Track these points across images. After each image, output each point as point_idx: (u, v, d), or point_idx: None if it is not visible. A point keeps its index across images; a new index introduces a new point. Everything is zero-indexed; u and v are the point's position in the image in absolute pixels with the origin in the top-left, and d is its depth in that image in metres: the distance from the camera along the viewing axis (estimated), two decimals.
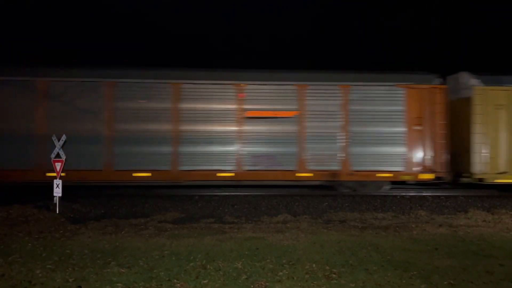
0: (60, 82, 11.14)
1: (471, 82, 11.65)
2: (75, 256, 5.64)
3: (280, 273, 5.00)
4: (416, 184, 12.59)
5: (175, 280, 4.74)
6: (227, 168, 11.32)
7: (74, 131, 10.77)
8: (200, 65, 13.49)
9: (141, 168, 11.11)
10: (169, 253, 5.82)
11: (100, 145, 11.08)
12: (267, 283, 4.68)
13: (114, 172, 11.08)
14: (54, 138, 9.16)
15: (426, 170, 11.54)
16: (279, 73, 11.79)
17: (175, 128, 11.26)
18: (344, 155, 11.47)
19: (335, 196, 11.23)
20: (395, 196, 11.43)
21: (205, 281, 4.72)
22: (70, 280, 4.72)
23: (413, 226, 7.91)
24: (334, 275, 4.94)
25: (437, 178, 11.60)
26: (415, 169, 11.55)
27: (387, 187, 11.98)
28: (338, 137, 11.51)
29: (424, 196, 11.49)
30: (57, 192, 8.86)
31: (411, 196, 11.42)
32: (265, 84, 11.50)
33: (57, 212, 8.74)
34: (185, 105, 11.34)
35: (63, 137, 9.12)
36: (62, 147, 9.12)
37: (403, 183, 12.06)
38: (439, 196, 11.35)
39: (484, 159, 11.40)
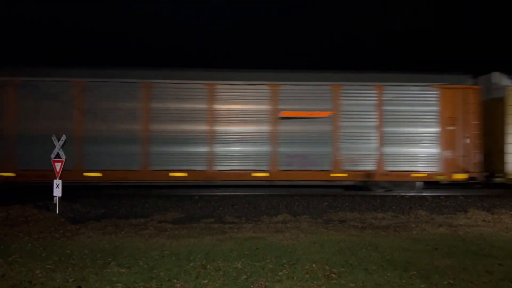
0: (97, 83, 11.23)
1: (504, 82, 11.70)
2: (75, 256, 5.64)
3: (280, 273, 5.00)
4: (448, 184, 12.47)
5: (175, 280, 4.74)
6: (262, 168, 11.40)
7: (112, 132, 11.00)
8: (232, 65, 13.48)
9: (177, 168, 11.22)
10: (169, 253, 5.82)
11: (137, 145, 11.18)
12: (267, 283, 4.68)
13: (151, 172, 11.18)
14: (54, 138, 9.16)
15: (459, 170, 11.60)
16: (314, 73, 11.90)
17: (211, 129, 11.38)
18: (378, 155, 11.54)
19: (335, 196, 11.23)
20: (395, 196, 11.44)
21: (205, 281, 4.72)
22: (70, 280, 4.72)
23: (413, 226, 7.92)
24: (334, 275, 4.94)
25: (471, 178, 11.65)
26: (448, 169, 11.60)
27: (420, 187, 12.01)
28: (372, 137, 11.59)
29: (423, 196, 11.49)
30: (57, 192, 8.86)
31: (411, 196, 11.43)
32: (299, 85, 11.57)
33: (57, 212, 8.74)
34: (220, 106, 11.43)
35: (63, 137, 9.11)
36: (62, 147, 9.12)
37: (436, 183, 12.03)
38: (438, 196, 11.35)
39: None
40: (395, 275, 4.97)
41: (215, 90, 11.42)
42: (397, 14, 22.40)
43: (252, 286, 4.61)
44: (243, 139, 11.44)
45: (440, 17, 21.35)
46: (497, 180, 11.94)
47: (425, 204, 10.37)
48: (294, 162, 11.44)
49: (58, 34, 19.96)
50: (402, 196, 11.42)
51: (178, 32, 22.03)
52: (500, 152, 11.55)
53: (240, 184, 11.95)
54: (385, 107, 11.60)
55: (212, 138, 11.35)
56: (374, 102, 11.61)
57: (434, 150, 11.62)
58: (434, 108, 11.65)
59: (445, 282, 4.73)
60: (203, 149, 11.33)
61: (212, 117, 11.39)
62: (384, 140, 11.56)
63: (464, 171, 11.59)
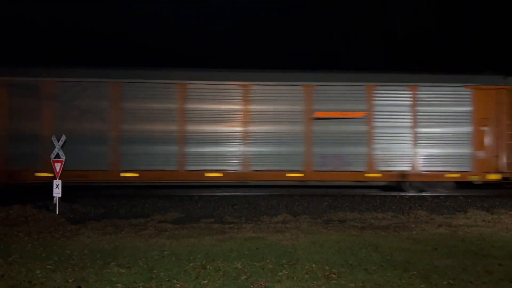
0: (134, 84, 11.29)
1: None
2: (75, 256, 5.65)
3: (280, 273, 5.01)
4: (481, 185, 12.38)
5: (175, 280, 4.74)
6: (296, 168, 11.42)
7: (147, 132, 11.11)
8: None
9: (213, 169, 11.27)
10: (169, 253, 5.83)
11: (174, 145, 11.25)
12: (267, 283, 4.69)
13: (187, 173, 11.24)
14: (53, 138, 9.16)
15: (493, 170, 11.63)
16: (348, 73, 11.94)
17: (245, 129, 11.44)
18: (412, 155, 11.56)
19: (335, 196, 11.24)
20: (395, 196, 11.45)
21: (205, 281, 4.72)
22: (70, 280, 4.73)
23: (412, 226, 7.92)
24: (333, 275, 4.94)
25: (504, 178, 11.67)
26: (482, 169, 11.62)
27: (454, 187, 12.00)
28: (406, 138, 11.62)
29: (423, 196, 11.50)
30: (57, 192, 8.86)
31: (411, 196, 11.44)
32: (333, 85, 11.59)
33: (57, 213, 8.74)
34: (255, 107, 11.48)
35: (63, 137, 9.11)
36: (62, 147, 9.12)
37: (469, 183, 12.01)
38: (438, 196, 11.37)
39: None
40: (395, 275, 4.97)
41: (250, 90, 11.48)
42: (397, 14, 22.40)
43: (252, 286, 4.61)
44: (277, 140, 11.49)
45: (439, 18, 21.32)
46: None
47: (425, 204, 10.37)
48: (328, 163, 11.47)
49: (58, 34, 19.95)
50: (402, 196, 11.43)
51: (178, 32, 22.05)
52: None
53: (274, 184, 11.96)
54: (418, 108, 11.65)
55: (247, 138, 11.44)
56: (408, 102, 11.66)
57: (467, 150, 11.65)
58: (467, 109, 11.70)
59: (444, 282, 4.73)
60: (238, 149, 11.42)
61: (247, 118, 11.46)
62: (418, 140, 11.59)
63: (497, 171, 11.62)
